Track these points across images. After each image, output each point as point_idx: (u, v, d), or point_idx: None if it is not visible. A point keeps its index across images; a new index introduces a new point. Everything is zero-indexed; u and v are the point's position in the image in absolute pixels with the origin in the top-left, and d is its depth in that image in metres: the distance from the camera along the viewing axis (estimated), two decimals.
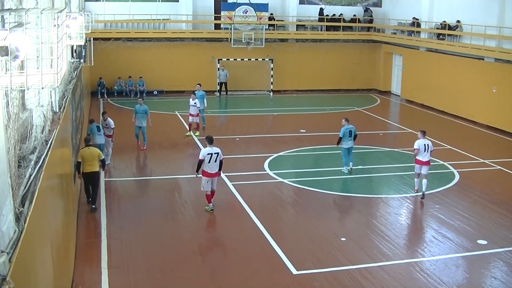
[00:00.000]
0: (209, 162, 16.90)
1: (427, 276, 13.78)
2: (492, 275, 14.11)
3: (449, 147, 26.28)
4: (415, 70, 39.17)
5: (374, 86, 43.92)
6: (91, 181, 17.49)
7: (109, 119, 22.33)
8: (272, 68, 41.22)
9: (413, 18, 39.39)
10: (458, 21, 35.40)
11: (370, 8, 44.43)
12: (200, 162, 16.94)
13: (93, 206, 17.48)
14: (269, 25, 41.50)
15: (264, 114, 34.31)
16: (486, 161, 24.16)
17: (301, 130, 29.17)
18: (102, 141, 21.12)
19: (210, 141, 17.17)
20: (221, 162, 17.14)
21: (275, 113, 34.53)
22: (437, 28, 37.17)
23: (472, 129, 31.41)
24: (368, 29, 43.97)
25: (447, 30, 35.81)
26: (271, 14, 41.64)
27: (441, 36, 36.83)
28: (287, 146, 25.74)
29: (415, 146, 19.21)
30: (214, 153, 16.95)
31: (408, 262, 14.53)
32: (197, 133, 26.87)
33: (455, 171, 22.59)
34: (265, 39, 39.55)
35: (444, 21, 36.35)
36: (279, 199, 19.22)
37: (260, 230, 16.23)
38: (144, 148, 24.60)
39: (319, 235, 15.95)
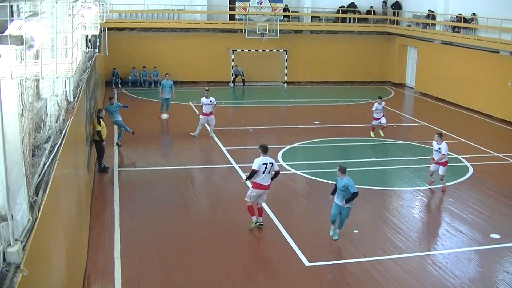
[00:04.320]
0: (263, 173, 15.30)
1: (439, 269, 13.76)
2: (504, 269, 14.07)
3: (463, 140, 26.16)
4: (429, 62, 38.98)
5: (388, 78, 43.77)
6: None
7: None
8: (286, 59, 41.15)
9: (429, 10, 39.17)
10: (473, 14, 35.18)
11: (387, 1, 44.25)
12: (254, 172, 15.31)
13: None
14: (284, 16, 41.38)
15: (278, 106, 34.30)
16: (500, 154, 24.03)
17: (315, 122, 29.13)
18: (119, 117, 23.43)
19: (264, 150, 15.54)
20: (276, 173, 15.66)
21: (289, 105, 34.50)
22: (452, 21, 36.96)
23: (486, 123, 31.24)
24: (383, 21, 43.77)
25: (463, 23, 35.62)
26: (286, 5, 41.55)
27: (456, 29, 36.61)
28: (301, 137, 25.73)
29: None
30: (269, 163, 15.35)
31: (421, 255, 14.50)
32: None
33: (468, 164, 22.50)
34: (279, 30, 39.49)
35: (460, 14, 36.14)
36: (292, 190, 19.23)
37: (273, 221, 16.24)
38: (168, 115, 27.40)
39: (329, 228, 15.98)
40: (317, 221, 16.47)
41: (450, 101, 35.90)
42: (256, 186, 15.40)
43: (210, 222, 16.47)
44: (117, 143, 23.47)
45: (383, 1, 44.33)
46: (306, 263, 13.83)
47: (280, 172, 16.11)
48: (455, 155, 23.30)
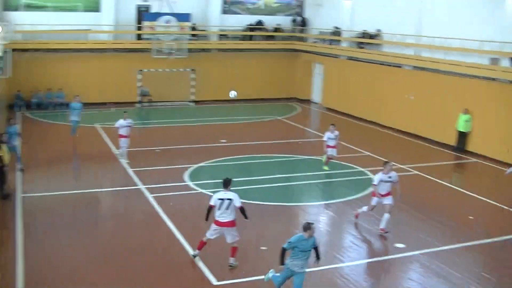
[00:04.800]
0: (218, 209, 14.28)
1: (347, 281, 13.98)
2: (408, 277, 14.45)
3: (368, 153, 26.80)
4: (335, 78, 39.79)
5: (294, 94, 44.29)
6: None
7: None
8: (194, 78, 41.09)
9: (334, 27, 40.07)
10: (378, 30, 36.22)
11: (297, 18, 44.95)
12: (210, 207, 14.41)
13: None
14: (192, 35, 41.38)
15: (185, 125, 34.09)
16: (404, 166, 24.68)
17: (222, 140, 29.11)
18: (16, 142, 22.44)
19: (224, 184, 14.51)
20: (241, 209, 14.36)
21: (197, 124, 34.37)
22: (358, 37, 37.92)
23: (391, 136, 32.11)
24: (290, 38, 44.39)
25: (368, 38, 36.64)
26: (194, 24, 41.53)
27: (361, 45, 37.59)
28: (208, 156, 25.59)
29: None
30: (226, 199, 14.22)
31: (328, 269, 14.65)
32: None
33: (373, 177, 22.95)
34: (188, 49, 39.46)
35: (365, 30, 37.13)
36: (199, 210, 18.91)
37: (180, 242, 16.10)
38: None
39: (240, 245, 15.91)
40: (224, 239, 16.42)
41: (356, 116, 36.68)
42: (214, 222, 14.46)
43: (116, 244, 16.16)
44: (20, 169, 22.68)
45: (293, 19, 44.97)
46: (214, 282, 13.77)
47: (187, 192, 15.80)
48: (361, 168, 23.79)
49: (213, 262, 14.73)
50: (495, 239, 17.12)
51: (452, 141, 29.15)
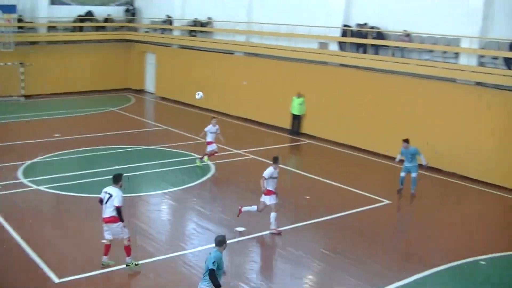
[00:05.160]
0: (105, 203, 13.54)
1: (190, 268, 13.91)
2: (252, 259, 14.64)
3: (203, 140, 26.82)
4: (169, 67, 39.54)
5: (129, 85, 43.49)
6: None
7: None
8: (22, 72, 39.09)
9: (166, 15, 39.74)
10: (209, 18, 36.35)
11: (130, 7, 44.03)
12: (100, 201, 13.68)
13: None
14: (19, 27, 39.25)
15: (16, 121, 32.38)
16: (240, 151, 25.02)
17: (56, 135, 27.92)
18: None
19: (113, 179, 13.78)
20: (117, 208, 13.43)
21: (28, 119, 32.75)
22: (189, 25, 37.86)
23: (226, 122, 32.41)
24: (123, 28, 43.49)
25: (199, 27, 36.67)
26: (20, 16, 39.42)
27: (193, 33, 37.57)
28: (42, 152, 24.41)
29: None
30: (108, 194, 13.52)
31: (171, 257, 14.52)
32: None
33: (210, 163, 23.07)
34: (15, 42, 37.43)
35: (196, 18, 37.13)
36: (37, 207, 18.20)
37: (18, 242, 15.21)
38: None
39: (83, 240, 15.37)
40: (68, 236, 15.78)
41: (190, 104, 36.62)
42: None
43: None
44: None
45: (126, 9, 44.01)
46: (56, 280, 13.15)
47: (22, 190, 14.71)
48: (196, 155, 23.75)
49: (55, 260, 14.07)
50: (332, 216, 17.74)
51: (288, 124, 29.92)
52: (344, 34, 27.79)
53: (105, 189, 13.64)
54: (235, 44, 33.69)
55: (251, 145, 26.44)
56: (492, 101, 22.26)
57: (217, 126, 22.78)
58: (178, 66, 38.53)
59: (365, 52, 26.99)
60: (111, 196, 13.43)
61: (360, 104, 26.88)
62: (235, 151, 25.07)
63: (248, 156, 24.43)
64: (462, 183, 22.19)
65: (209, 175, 21.69)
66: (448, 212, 19.28)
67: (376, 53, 26.72)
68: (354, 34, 27.35)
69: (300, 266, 14.40)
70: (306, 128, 29.62)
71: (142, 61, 43.09)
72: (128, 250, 13.75)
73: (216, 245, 10.77)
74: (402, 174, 20.66)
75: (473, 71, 22.87)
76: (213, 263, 10.45)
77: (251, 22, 33.01)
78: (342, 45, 28.19)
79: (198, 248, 15.15)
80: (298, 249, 15.20)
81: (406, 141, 20.47)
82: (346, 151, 26.49)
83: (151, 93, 42.17)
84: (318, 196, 20.10)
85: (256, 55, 32.52)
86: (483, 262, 14.93)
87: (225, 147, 24.89)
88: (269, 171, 16.18)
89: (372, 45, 26.59)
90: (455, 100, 23.35)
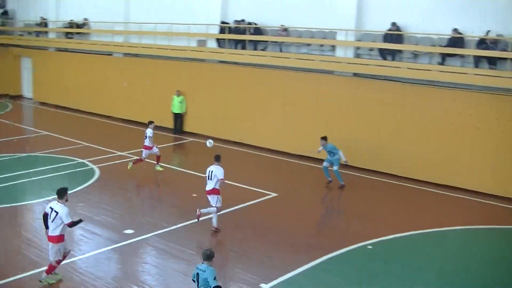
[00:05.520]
0: (51, 220, 12.83)
1: (81, 274, 13.60)
2: (143, 261, 14.51)
3: (87, 144, 26.41)
4: (46, 71, 38.47)
5: (5, 91, 41.95)
6: None
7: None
8: None
9: (41, 18, 38.61)
10: (85, 19, 35.66)
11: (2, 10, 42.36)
12: (44, 215, 13.02)
13: None
14: None
15: None
16: (123, 153, 24.78)
17: None
18: None
19: (58, 193, 12.93)
20: (69, 226, 12.84)
21: None
22: (65, 27, 36.97)
23: (110, 124, 31.99)
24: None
25: (75, 28, 35.89)
26: None
27: (69, 35, 36.73)
28: None
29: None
30: (54, 211, 12.74)
31: (61, 266, 14.18)
32: None
33: (95, 167, 22.75)
34: None
35: (72, 20, 36.31)
36: None
37: None
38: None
39: None
40: None
41: (72, 108, 35.91)
42: None
43: None
44: None
45: (1, 12, 42.36)
46: None
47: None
48: (81, 160, 23.36)
49: None
50: (220, 212, 17.88)
51: (171, 123, 29.88)
52: (222, 31, 28.03)
53: (50, 204, 12.94)
54: (113, 45, 33.26)
55: (135, 146, 26.14)
56: (369, 90, 23.15)
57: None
58: (55, 70, 37.57)
59: (243, 48, 27.33)
60: (57, 214, 12.67)
61: (241, 99, 27.24)
62: (119, 153, 24.79)
63: (132, 157, 24.23)
64: (353, 173, 22.94)
65: (94, 179, 21.35)
66: (341, 201, 20.02)
67: (255, 49, 27.14)
68: (232, 30, 27.65)
69: (192, 264, 14.39)
70: (188, 126, 29.72)
71: (17, 65, 41.72)
72: (51, 268, 13.13)
73: (205, 260, 10.38)
74: (325, 164, 21.57)
75: (349, 63, 23.68)
76: (214, 279, 10.13)
77: (128, 22, 32.71)
78: (220, 42, 28.44)
79: (88, 254, 14.89)
80: (189, 248, 15.25)
81: (324, 138, 21.26)
82: (230, 147, 26.76)
83: (29, 99, 40.90)
84: (204, 194, 20.17)
85: (136, 55, 32.25)
86: (370, 247, 15.53)
87: (109, 150, 24.59)
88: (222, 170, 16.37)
89: (251, 40, 26.96)
90: (334, 91, 24.11)
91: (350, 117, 23.54)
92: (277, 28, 26.34)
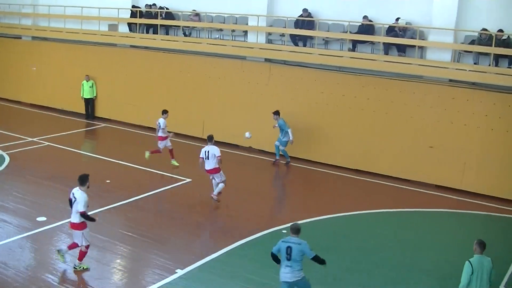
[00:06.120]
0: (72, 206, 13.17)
1: None
2: (56, 248, 14.28)
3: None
4: None
5: None
6: None
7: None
8: None
9: None
10: None
11: None
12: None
13: None
14: None
15: None
16: (34, 139, 24.27)
17: None
18: None
19: (79, 180, 13.16)
20: (81, 214, 12.95)
21: None
22: None
23: (18, 109, 31.17)
24: None
25: None
26: None
27: None
28: None
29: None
30: (73, 197, 13.09)
31: None
32: None
33: (4, 153, 22.18)
34: None
35: None
36: None
37: None
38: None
39: None
40: None
41: None
42: None
43: None
44: None
45: None
46: None
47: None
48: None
49: None
50: (134, 198, 17.88)
51: (83, 109, 29.42)
52: (133, 15, 27.75)
53: (72, 190, 13.17)
54: (21, 28, 32.33)
55: (46, 132, 25.68)
56: (280, 76, 23.49)
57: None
58: None
59: (155, 32, 27.16)
60: (75, 200, 12.94)
61: (153, 84, 27.12)
62: (30, 139, 24.27)
63: (43, 143, 23.76)
64: (267, 158, 23.26)
65: (3, 166, 20.82)
66: (258, 186, 20.38)
67: (167, 34, 27.02)
68: (144, 15, 27.42)
69: (105, 251, 14.37)
70: (100, 111, 29.34)
71: None
72: (82, 254, 13.33)
73: (295, 234, 11.10)
74: (277, 143, 22.31)
75: (261, 48, 23.93)
76: (310, 250, 10.99)
77: (37, 5, 31.85)
78: (132, 27, 28.16)
79: None
80: (101, 234, 15.09)
81: (276, 113, 21.91)
82: (142, 132, 26.64)
83: None
84: (118, 180, 20.10)
85: (45, 39, 31.47)
86: (284, 231, 15.88)
87: (19, 136, 24.08)
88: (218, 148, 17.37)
89: (162, 25, 26.82)
90: (247, 76, 24.31)
91: (263, 103, 23.79)
92: (189, 13, 26.30)
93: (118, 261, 14.06)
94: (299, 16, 23.15)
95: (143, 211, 17.19)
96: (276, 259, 11.26)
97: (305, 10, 22.97)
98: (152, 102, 26.99)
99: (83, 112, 29.45)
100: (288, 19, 23.51)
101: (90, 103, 29.22)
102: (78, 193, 12.97)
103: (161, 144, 21.69)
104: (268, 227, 16.06)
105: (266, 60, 23.96)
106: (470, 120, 19.85)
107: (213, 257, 14.11)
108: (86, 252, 13.36)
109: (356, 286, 13.05)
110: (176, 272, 13.28)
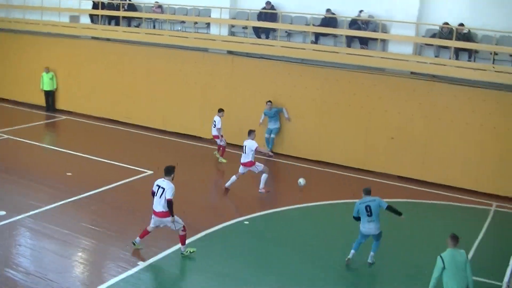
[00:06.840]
0: (154, 196, 13.57)
1: None
2: (17, 243, 14.12)
3: None
4: None
5: None
6: None
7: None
8: None
9: None
10: None
11: None
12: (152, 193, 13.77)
13: None
14: None
15: None
16: None
17: None
18: None
19: (166, 171, 13.59)
20: (167, 202, 13.21)
21: None
22: None
23: None
24: None
25: None
26: None
27: None
28: None
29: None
30: (161, 188, 13.37)
31: None
32: None
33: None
34: None
35: None
36: None
37: None
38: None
39: None
40: None
41: None
42: None
43: None
44: None
45: None
46: None
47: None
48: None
49: None
50: (96, 191, 17.73)
51: (43, 101, 29.04)
52: (95, 6, 27.44)
53: (156, 182, 13.58)
54: None
55: (5, 125, 25.27)
56: (244, 67, 23.51)
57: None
58: None
59: (117, 24, 26.90)
60: (163, 190, 13.28)
61: (115, 76, 26.90)
62: None
63: (2, 136, 23.41)
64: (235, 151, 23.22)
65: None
66: (220, 178, 20.44)
67: (129, 25, 26.79)
68: (106, 6, 27.13)
69: (67, 244, 14.21)
70: (61, 104, 28.99)
71: None
72: (182, 239, 13.77)
73: (367, 194, 13.47)
74: (266, 135, 22.47)
75: (224, 41, 23.86)
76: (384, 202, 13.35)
77: None
78: (94, 18, 27.84)
79: None
80: (63, 227, 14.95)
81: (270, 102, 22.21)
82: (103, 124, 26.46)
83: None
84: (79, 172, 19.88)
85: (3, 30, 30.91)
86: (246, 222, 15.89)
87: None
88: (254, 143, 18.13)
89: (125, 17, 26.56)
90: (210, 68, 24.25)
91: (227, 94, 23.76)
92: (152, 5, 26.11)
93: (80, 254, 13.91)
94: (262, 9, 23.13)
95: (105, 203, 17.05)
96: (358, 219, 13.39)
97: (268, 2, 22.97)
98: (114, 94, 26.77)
99: (44, 104, 29.04)
100: (251, 11, 23.49)
101: (50, 95, 28.82)
102: (164, 183, 13.36)
103: (222, 142, 21.97)
104: (228, 220, 16.14)
105: (229, 52, 23.91)
106: (431, 112, 20.09)
107: (174, 249, 14.06)
108: (185, 235, 13.76)
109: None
110: (138, 265, 13.23)
